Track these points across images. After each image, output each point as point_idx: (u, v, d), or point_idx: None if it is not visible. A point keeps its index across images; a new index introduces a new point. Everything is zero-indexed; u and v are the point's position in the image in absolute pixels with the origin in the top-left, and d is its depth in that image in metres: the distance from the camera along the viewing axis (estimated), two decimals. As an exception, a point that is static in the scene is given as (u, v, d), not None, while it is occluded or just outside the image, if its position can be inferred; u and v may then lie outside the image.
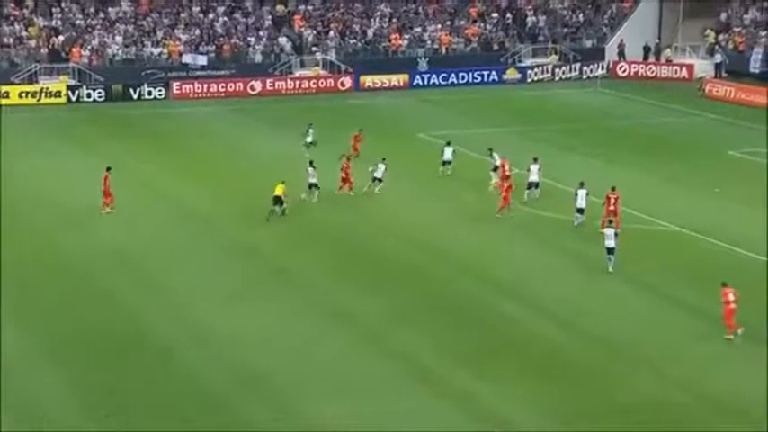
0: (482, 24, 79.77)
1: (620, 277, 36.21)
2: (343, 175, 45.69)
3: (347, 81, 73.26)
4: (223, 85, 71.30)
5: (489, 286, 35.66)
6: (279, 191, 43.23)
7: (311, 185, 44.93)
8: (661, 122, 61.30)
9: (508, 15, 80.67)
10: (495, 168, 46.36)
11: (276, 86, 71.96)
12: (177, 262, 37.78)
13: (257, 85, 71.58)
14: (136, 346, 30.57)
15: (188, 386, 28.30)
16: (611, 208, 40.43)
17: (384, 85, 73.56)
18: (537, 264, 37.79)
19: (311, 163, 45.19)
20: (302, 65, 74.47)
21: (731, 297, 31.30)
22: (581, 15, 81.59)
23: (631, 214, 42.63)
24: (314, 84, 72.68)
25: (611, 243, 36.99)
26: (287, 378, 28.68)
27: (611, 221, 38.26)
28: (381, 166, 46.02)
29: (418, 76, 74.66)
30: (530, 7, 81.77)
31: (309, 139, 52.34)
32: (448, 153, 49.41)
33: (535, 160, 45.46)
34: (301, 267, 37.29)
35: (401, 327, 32.19)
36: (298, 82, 72.47)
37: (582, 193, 41.56)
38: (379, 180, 45.97)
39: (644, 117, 62.74)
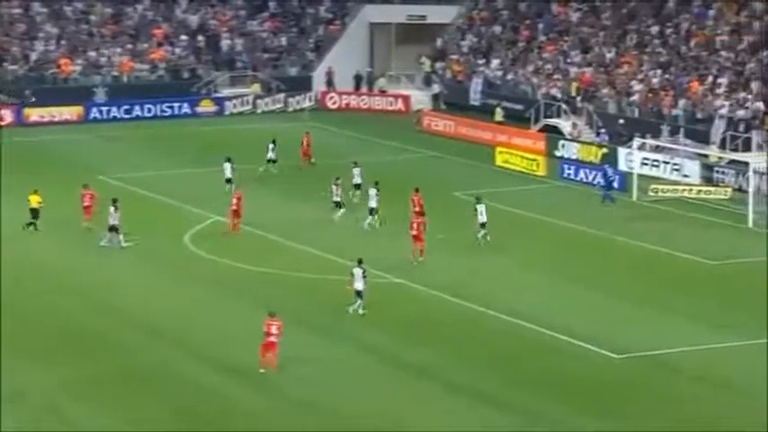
0: (169, 48, 79.85)
1: (339, 335, 37.15)
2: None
3: (7, 114, 71.74)
4: None
5: (183, 352, 35.74)
6: (35, 202, 46.00)
7: (112, 228, 45.56)
8: (376, 161, 62.83)
9: (200, 38, 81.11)
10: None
11: None
12: None
13: None
14: None
15: None
16: (414, 233, 44.00)
17: (54, 119, 72.41)
18: (238, 323, 38.04)
19: (114, 202, 45.61)
20: (-48, 95, 72.42)
21: (274, 330, 33.39)
22: (283, 39, 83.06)
23: (345, 265, 43.76)
24: (-35, 118, 70.79)
25: (359, 285, 38.16)
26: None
27: (360, 261, 39.09)
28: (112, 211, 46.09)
29: (95, 109, 73.92)
30: (225, 29, 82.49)
31: (272, 155, 58.49)
32: (271, 151, 57.33)
33: (376, 183, 49.55)
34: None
35: (78, 402, 31.90)
36: (-53, 116, 70.40)
37: (481, 208, 46.39)
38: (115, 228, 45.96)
39: (356, 154, 63.86)
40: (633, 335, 37.24)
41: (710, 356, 35.55)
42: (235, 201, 47.96)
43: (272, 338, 33.39)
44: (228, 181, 53.88)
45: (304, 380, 33.55)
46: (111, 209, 45.82)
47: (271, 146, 58.88)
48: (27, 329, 37.30)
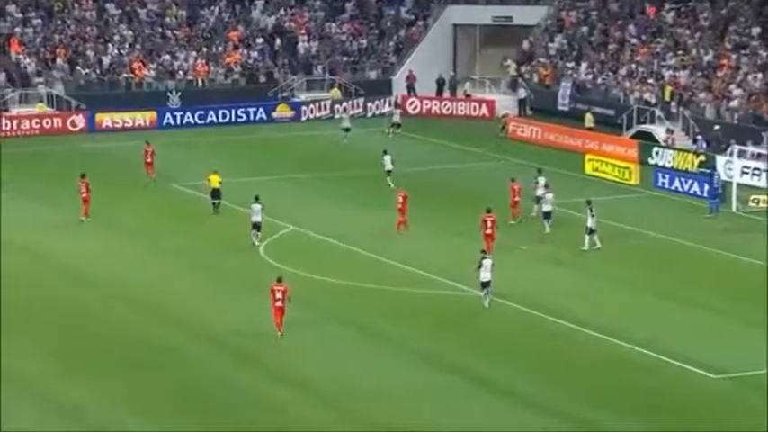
0: (245, 51, 79.92)
1: (410, 348, 36.67)
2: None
3: (80, 120, 72.19)
4: None
5: (250, 365, 35.62)
6: (215, 182, 49.08)
7: (255, 225, 46.61)
8: (457, 169, 62.35)
9: (276, 41, 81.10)
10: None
11: (-11, 127, 70.22)
12: None
13: (-36, 125, 69.80)
14: None
15: None
16: (488, 232, 44.71)
17: (127, 126, 72.76)
18: (308, 336, 37.77)
19: (257, 198, 46.75)
20: (22, 100, 72.68)
21: (279, 295, 36.41)
22: (363, 41, 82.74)
23: (427, 278, 43.31)
24: (37, 124, 71.24)
25: (486, 276, 39.20)
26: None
27: (483, 251, 40.16)
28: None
29: (169, 114, 74.18)
30: (302, 31, 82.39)
31: (346, 125, 68.28)
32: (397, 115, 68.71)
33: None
34: (10, 355, 35.89)
35: (136, 416, 31.98)
36: (16, 122, 70.85)
37: (590, 211, 46.95)
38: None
39: (437, 162, 63.77)
40: (729, 353, 36.33)
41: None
42: (401, 199, 49.32)
43: (279, 303, 36.19)
44: (389, 173, 57.24)
45: (368, 394, 33.37)
46: (258, 207, 46.57)
47: (398, 111, 71.69)
48: (81, 340, 37.55)
